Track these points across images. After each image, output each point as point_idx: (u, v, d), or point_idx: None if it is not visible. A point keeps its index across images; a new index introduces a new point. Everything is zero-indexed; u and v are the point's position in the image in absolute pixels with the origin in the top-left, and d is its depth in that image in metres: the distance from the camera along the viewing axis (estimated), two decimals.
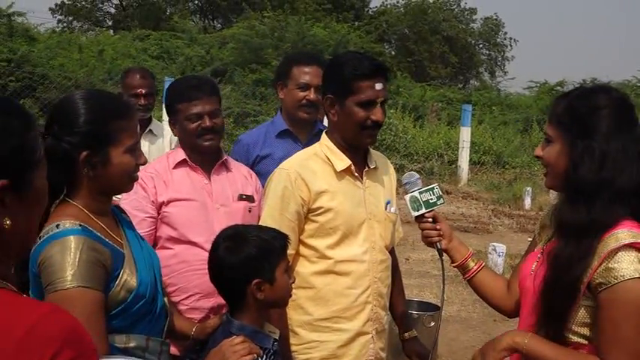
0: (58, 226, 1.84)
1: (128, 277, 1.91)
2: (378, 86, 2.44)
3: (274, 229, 2.26)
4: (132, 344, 1.91)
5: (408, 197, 2.30)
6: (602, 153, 1.84)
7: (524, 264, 2.13)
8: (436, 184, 2.33)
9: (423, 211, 2.28)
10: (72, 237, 1.81)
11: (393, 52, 27.21)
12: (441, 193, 2.32)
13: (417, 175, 2.35)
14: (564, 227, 1.91)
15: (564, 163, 1.92)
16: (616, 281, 1.77)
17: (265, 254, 2.11)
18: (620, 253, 1.79)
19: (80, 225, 1.85)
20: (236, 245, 2.12)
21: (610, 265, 1.79)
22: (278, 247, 2.16)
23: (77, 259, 1.78)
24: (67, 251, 1.78)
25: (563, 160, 1.92)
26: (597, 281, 1.81)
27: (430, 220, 2.29)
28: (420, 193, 2.28)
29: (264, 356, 2.07)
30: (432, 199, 2.28)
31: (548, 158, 1.97)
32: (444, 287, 2.36)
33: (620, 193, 1.83)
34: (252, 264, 2.09)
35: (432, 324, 4.22)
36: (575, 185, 1.88)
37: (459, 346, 5.40)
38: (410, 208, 2.29)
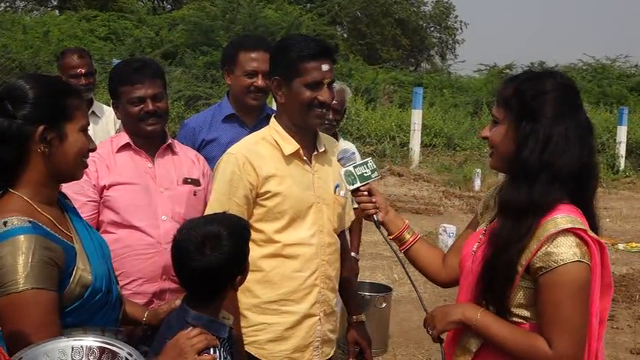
0: (5, 223, 1.75)
1: (83, 273, 1.87)
2: (325, 67, 2.44)
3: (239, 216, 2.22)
4: None
5: (342, 172, 2.33)
6: (545, 136, 1.89)
7: (465, 243, 2.17)
8: (370, 159, 2.38)
9: (358, 184, 2.31)
10: (22, 236, 1.74)
11: (345, 35, 27.11)
12: (375, 167, 2.35)
13: (352, 150, 2.39)
14: (505, 207, 1.95)
15: (509, 144, 1.96)
16: (556, 265, 1.83)
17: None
18: (559, 238, 1.85)
19: (30, 221, 1.77)
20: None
21: (550, 250, 1.84)
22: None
23: (29, 260, 1.72)
24: (18, 252, 1.72)
25: (508, 141, 1.96)
26: (537, 265, 1.86)
27: (366, 193, 2.32)
28: (355, 167, 2.32)
29: (219, 345, 2.02)
30: (366, 172, 2.32)
31: (494, 139, 2.01)
32: (399, 258, 2.36)
33: (559, 176, 1.89)
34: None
35: (384, 305, 4.28)
36: (518, 166, 1.92)
37: (410, 326, 5.48)
38: (345, 182, 2.33)
